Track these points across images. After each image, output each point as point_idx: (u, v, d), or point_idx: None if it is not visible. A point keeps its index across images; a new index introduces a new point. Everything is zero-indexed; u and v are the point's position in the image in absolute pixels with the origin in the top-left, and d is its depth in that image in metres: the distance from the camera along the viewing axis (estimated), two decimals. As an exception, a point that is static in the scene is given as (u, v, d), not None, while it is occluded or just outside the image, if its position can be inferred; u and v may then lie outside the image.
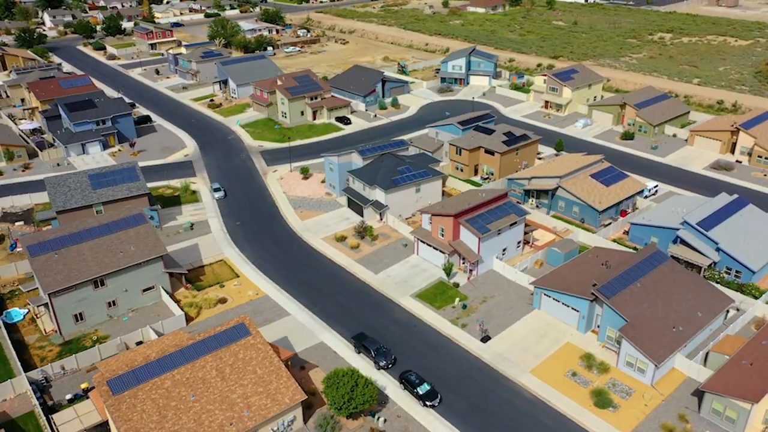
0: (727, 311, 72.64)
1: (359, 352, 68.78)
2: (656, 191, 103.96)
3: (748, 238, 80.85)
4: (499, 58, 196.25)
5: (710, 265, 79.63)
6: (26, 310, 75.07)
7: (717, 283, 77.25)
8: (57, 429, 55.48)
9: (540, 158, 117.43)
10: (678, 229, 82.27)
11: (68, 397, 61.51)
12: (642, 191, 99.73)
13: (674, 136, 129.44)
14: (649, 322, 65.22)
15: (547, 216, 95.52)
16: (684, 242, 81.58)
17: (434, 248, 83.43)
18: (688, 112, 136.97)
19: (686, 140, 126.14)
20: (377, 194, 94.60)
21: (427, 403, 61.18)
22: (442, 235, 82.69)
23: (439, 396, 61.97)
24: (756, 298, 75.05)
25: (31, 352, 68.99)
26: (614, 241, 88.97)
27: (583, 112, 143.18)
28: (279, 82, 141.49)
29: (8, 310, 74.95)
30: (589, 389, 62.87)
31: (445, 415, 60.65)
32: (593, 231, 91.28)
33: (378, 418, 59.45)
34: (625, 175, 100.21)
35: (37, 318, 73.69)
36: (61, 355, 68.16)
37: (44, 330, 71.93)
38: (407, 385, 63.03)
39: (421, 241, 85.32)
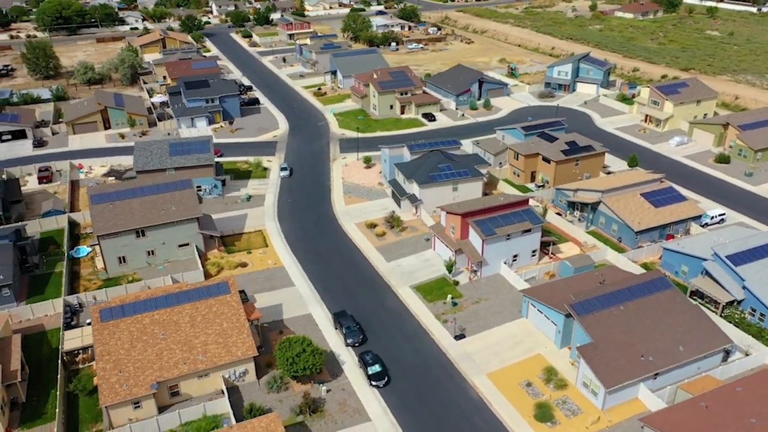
0: (728, 352, 66.42)
1: (337, 328, 73.65)
2: (722, 220, 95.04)
3: (787, 280, 72.42)
4: (623, 67, 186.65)
5: (731, 303, 72.68)
6: (90, 249, 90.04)
7: (735, 322, 70.67)
8: (63, 342, 67.64)
9: (608, 172, 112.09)
10: (706, 260, 76.07)
11: (88, 321, 73.82)
12: (700, 217, 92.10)
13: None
14: (616, 346, 62.37)
15: (584, 230, 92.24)
16: (709, 275, 75.22)
17: (445, 245, 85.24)
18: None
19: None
20: (414, 188, 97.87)
21: (373, 383, 64.57)
22: (453, 233, 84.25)
23: (386, 379, 65.03)
24: (772, 345, 67.63)
25: (81, 282, 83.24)
26: (643, 265, 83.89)
27: (685, 130, 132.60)
28: (375, 76, 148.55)
29: (78, 247, 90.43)
30: (536, 401, 62.00)
31: (386, 397, 63.66)
32: (623, 251, 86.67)
33: (322, 386, 64.16)
34: (682, 198, 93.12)
35: (96, 256, 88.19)
36: (100, 288, 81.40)
37: (96, 267, 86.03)
38: (362, 364, 66.82)
39: (436, 236, 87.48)
